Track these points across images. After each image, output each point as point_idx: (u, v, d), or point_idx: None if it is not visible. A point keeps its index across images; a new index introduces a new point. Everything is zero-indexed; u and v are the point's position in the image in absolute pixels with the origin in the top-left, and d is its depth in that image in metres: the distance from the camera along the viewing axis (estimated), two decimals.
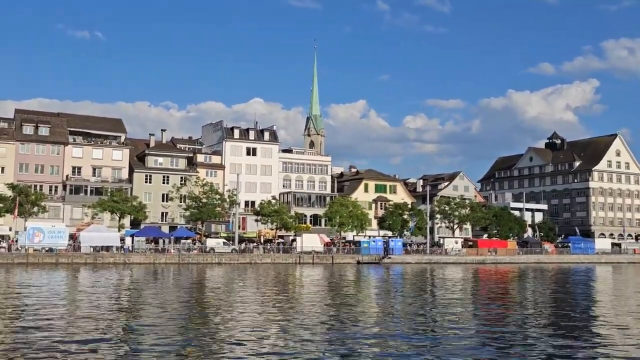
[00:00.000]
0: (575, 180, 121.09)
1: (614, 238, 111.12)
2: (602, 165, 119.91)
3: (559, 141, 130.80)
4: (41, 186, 78.15)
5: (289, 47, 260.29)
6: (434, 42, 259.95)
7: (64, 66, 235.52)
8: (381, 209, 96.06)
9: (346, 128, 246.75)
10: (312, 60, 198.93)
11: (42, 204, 70.57)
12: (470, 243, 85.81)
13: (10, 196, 67.74)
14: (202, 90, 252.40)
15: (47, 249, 61.62)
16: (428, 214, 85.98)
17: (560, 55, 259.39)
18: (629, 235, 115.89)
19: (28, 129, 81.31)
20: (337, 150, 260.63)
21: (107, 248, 63.85)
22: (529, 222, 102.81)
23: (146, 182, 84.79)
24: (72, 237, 65.74)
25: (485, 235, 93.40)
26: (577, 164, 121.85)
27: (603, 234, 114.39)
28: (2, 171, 77.86)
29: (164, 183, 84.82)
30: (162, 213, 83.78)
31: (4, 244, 63.46)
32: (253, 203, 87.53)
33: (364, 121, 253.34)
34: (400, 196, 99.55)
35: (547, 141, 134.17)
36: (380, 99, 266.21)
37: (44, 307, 24.02)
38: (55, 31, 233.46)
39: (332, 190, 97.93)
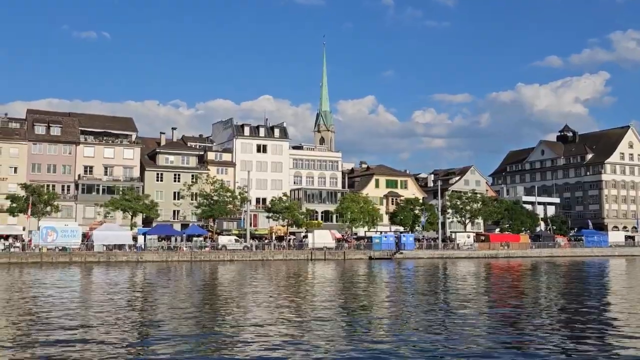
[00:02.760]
0: (588, 173, 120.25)
1: (627, 231, 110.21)
2: (614, 157, 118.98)
3: (570, 134, 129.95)
4: (53, 186, 78.65)
5: (296, 44, 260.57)
6: (438, 36, 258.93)
7: (72, 66, 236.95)
8: (392, 204, 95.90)
9: (354, 124, 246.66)
10: (320, 57, 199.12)
11: (55, 203, 71.04)
12: (482, 237, 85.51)
13: (23, 196, 68.24)
14: (211, 88, 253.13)
15: (60, 248, 62.08)
16: (439, 209, 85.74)
17: (568, 48, 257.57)
18: None
19: (40, 129, 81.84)
20: (345, 146, 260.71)
21: (120, 246, 64.22)
22: (541, 215, 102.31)
23: (157, 180, 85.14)
24: (85, 236, 66.21)
25: (497, 230, 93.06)
26: (589, 156, 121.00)
27: (616, 227, 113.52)
28: (15, 171, 78.41)
29: (175, 181, 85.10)
30: (174, 211, 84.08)
31: (18, 244, 63.96)
32: (264, 200, 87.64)
33: (372, 117, 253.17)
34: (411, 191, 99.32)
35: (559, 134, 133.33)
36: (388, 94, 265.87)
37: (59, 305, 24.17)
38: (61, 32, 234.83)
39: (343, 186, 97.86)
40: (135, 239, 66.98)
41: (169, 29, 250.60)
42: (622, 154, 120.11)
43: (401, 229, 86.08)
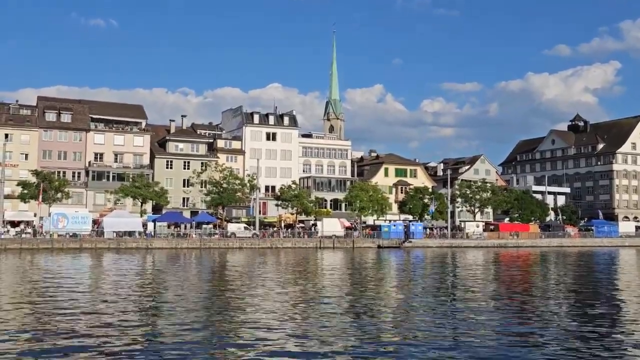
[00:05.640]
0: (599, 163, 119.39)
1: (638, 221, 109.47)
2: (626, 147, 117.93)
3: (581, 123, 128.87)
4: (64, 172, 79.11)
5: (304, 32, 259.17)
6: (446, 25, 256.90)
7: (81, 54, 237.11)
8: (401, 193, 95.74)
9: (363, 112, 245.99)
10: (328, 45, 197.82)
11: (66, 190, 71.46)
12: (491, 227, 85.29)
13: (34, 183, 68.68)
14: (219, 76, 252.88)
15: (71, 234, 62.52)
16: (449, 198, 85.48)
17: (577, 37, 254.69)
18: None
19: (51, 116, 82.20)
20: (354, 134, 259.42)
21: (130, 233, 64.55)
22: (552, 205, 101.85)
23: (167, 167, 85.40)
24: (95, 222, 66.61)
25: (507, 219, 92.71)
26: (600, 146, 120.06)
27: (627, 217, 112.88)
28: (26, 158, 78.89)
29: (184, 168, 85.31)
30: (183, 198, 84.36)
31: (29, 230, 64.48)
32: (273, 188, 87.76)
33: (380, 105, 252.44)
34: (421, 180, 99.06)
35: (570, 123, 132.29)
36: (396, 83, 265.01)
37: (70, 290, 24.37)
38: (69, 20, 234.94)
39: (352, 175, 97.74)
40: (145, 225, 67.30)
41: (176, 16, 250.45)
42: (634, 143, 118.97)
43: (410, 217, 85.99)
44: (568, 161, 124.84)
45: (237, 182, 76.41)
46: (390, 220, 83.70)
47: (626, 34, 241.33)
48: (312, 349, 13.74)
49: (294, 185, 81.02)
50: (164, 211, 76.69)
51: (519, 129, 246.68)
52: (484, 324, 17.17)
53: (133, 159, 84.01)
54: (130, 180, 75.27)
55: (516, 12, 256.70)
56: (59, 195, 69.98)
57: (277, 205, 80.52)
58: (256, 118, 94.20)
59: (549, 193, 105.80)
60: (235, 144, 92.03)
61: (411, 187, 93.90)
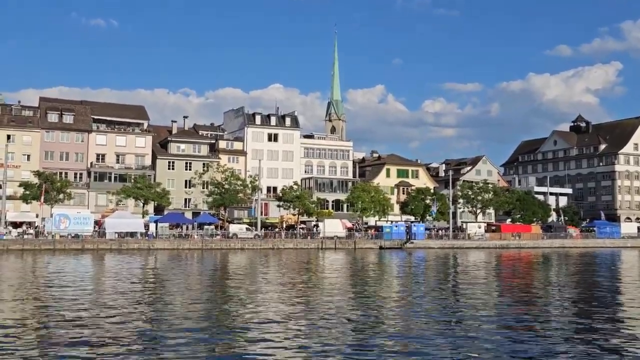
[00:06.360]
0: (601, 164, 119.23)
1: None
2: (628, 148, 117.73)
3: (583, 124, 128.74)
4: (66, 173, 79.17)
5: (304, 32, 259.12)
6: (446, 25, 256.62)
7: (81, 54, 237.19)
8: (403, 193, 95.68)
9: (364, 113, 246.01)
10: (330, 45, 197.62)
11: (68, 191, 71.52)
12: (493, 228, 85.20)
13: (36, 183, 68.74)
14: (220, 76, 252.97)
15: (73, 235, 62.56)
16: (450, 199, 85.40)
17: (578, 37, 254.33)
18: None
19: (53, 117, 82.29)
20: (355, 134, 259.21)
21: (132, 234, 64.59)
22: (554, 206, 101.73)
23: (169, 168, 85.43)
24: (97, 223, 66.66)
25: (509, 220, 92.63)
26: (602, 147, 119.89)
27: (629, 218, 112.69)
28: (28, 159, 79.00)
29: (186, 169, 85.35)
30: (185, 199, 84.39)
31: (31, 231, 64.55)
32: (275, 189, 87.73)
33: (382, 106, 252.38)
34: (423, 181, 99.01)
35: (572, 124, 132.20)
36: (397, 83, 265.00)
37: (72, 291, 24.37)
38: (70, 20, 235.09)
39: (354, 176, 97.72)
40: (146, 226, 67.32)
41: (176, 16, 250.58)
42: (636, 144, 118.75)
43: (412, 218, 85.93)
44: (570, 162, 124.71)
45: (239, 183, 76.45)
46: (392, 221, 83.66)
47: (627, 34, 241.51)
48: (313, 350, 13.72)
49: (295, 186, 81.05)
50: (165, 212, 76.73)
51: (520, 130, 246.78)
52: (486, 326, 17.14)
53: (135, 160, 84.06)
54: (132, 181, 75.31)
55: (516, 12, 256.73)
56: (61, 196, 70.03)
57: (278, 206, 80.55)
58: (258, 119, 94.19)
59: (551, 194, 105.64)
60: (237, 145, 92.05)
61: (413, 188, 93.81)
